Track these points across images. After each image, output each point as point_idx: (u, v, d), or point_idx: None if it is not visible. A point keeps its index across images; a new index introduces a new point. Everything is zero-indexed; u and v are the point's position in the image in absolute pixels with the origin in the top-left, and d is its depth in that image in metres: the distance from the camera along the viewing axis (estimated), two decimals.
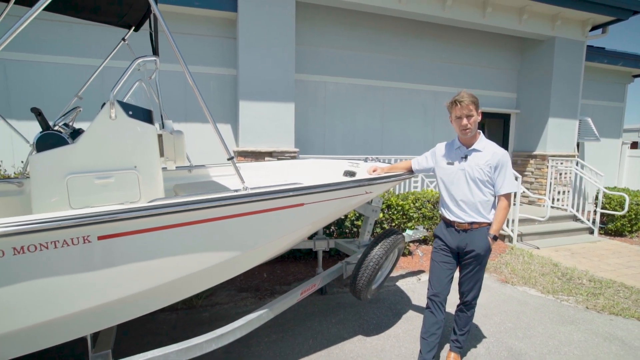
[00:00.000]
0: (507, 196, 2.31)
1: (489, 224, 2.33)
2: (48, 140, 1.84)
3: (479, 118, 2.29)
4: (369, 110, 6.96)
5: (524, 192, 5.88)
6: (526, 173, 7.80)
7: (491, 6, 6.47)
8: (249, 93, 5.45)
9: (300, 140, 6.32)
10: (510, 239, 5.81)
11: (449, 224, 2.43)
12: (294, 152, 5.70)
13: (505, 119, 8.14)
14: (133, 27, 3.09)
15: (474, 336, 2.99)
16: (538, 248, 5.65)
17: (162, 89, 3.07)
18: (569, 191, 7.26)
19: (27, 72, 4.94)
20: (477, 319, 3.27)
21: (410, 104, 7.22)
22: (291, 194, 2.06)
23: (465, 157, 2.33)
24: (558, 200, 7.32)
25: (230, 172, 3.44)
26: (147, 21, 2.88)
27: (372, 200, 3.30)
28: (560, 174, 7.33)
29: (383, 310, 3.42)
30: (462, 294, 2.50)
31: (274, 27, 5.45)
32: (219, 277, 2.09)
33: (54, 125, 2.30)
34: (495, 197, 2.35)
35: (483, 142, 2.34)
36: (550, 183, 7.33)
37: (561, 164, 7.25)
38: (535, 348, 2.84)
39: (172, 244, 1.76)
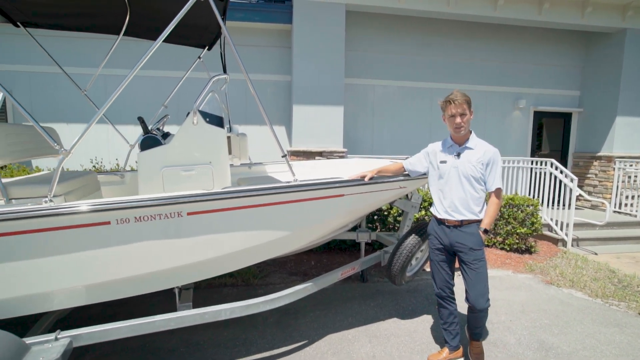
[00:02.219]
0: (498, 192, 2.40)
1: (479, 221, 2.40)
2: (148, 142, 2.43)
3: (472, 117, 2.40)
4: (417, 112, 7.10)
5: (580, 194, 5.61)
6: (589, 175, 7.34)
7: (548, 2, 6.25)
8: (302, 97, 5.96)
9: (349, 140, 6.69)
10: (564, 243, 5.59)
11: (440, 221, 2.50)
12: (343, 152, 6.08)
13: (566, 118, 7.72)
14: (207, 47, 3.72)
15: (507, 328, 3.12)
16: (596, 254, 5.37)
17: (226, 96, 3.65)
18: (639, 195, 6.70)
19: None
20: (513, 314, 3.38)
21: None
22: (332, 185, 2.46)
23: (458, 155, 2.42)
24: (626, 205, 6.79)
25: (283, 168, 3.93)
26: (218, 41, 3.49)
27: (411, 197, 3.57)
28: (630, 177, 6.79)
29: (420, 299, 3.66)
30: (473, 300, 2.39)
31: (325, 36, 5.89)
32: (274, 252, 2.55)
33: (151, 130, 2.95)
34: (485, 195, 2.44)
35: (475, 140, 2.43)
36: (618, 186, 6.83)
37: (630, 165, 6.71)
38: (569, 344, 2.90)
39: (239, 222, 2.26)
